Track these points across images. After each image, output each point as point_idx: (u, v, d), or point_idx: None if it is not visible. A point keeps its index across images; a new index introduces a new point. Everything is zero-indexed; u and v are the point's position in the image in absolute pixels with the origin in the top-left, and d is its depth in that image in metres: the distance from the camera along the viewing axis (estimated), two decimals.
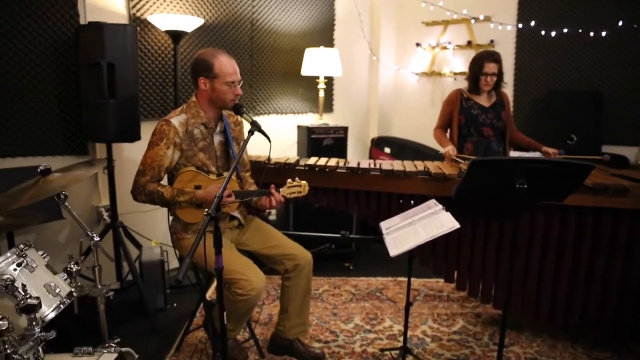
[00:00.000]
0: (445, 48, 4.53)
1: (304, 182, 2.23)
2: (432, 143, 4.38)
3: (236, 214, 2.34)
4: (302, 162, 2.77)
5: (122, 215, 3.02)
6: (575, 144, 3.80)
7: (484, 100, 3.07)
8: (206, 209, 1.58)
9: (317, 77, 3.97)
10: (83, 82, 2.68)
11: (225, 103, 2.18)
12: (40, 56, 2.80)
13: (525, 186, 2.00)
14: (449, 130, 3.21)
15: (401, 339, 2.73)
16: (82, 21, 2.93)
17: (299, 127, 3.97)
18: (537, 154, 3.14)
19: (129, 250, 2.93)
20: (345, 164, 2.75)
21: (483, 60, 2.94)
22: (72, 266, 1.90)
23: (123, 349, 1.69)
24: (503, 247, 2.55)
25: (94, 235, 1.95)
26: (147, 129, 2.94)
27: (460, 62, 4.50)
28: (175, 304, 3.10)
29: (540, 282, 2.54)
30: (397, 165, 2.77)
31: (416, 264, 3.66)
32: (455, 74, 4.51)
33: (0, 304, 1.51)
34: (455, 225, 2.01)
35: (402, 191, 2.68)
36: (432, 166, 2.74)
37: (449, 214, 2.12)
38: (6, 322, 1.35)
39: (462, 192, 2.24)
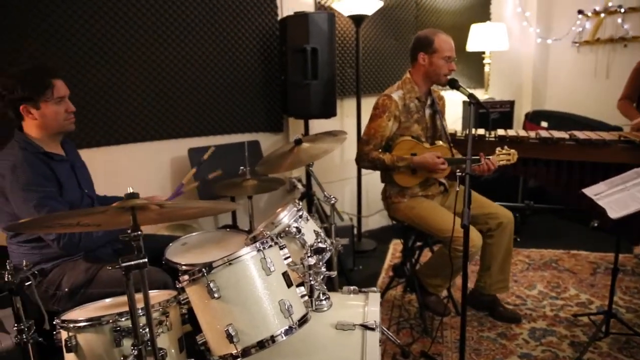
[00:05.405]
0: (615, 12, 4.28)
1: (513, 150, 2.35)
2: (596, 115, 4.22)
3: (442, 179, 2.54)
4: (492, 134, 2.89)
5: None
6: None
7: None
8: (458, 170, 1.78)
9: (483, 53, 4.01)
10: (290, 66, 3.03)
11: (440, 77, 2.37)
12: (249, 45, 3.21)
13: None
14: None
15: (592, 307, 2.79)
16: (280, 13, 3.30)
17: (464, 102, 4.06)
18: None
19: (323, 215, 3.30)
20: (536, 135, 2.81)
21: None
22: None
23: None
24: None
25: (333, 197, 2.26)
26: None
27: (631, 27, 4.22)
28: (360, 266, 3.42)
29: None
30: (590, 135, 2.77)
31: (583, 237, 3.67)
32: (625, 39, 4.25)
33: (289, 247, 1.86)
34: None
35: (597, 160, 2.69)
36: (629, 135, 2.70)
37: None
38: (314, 259, 1.67)
39: None
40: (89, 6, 2.61)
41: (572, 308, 2.79)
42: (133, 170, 2.93)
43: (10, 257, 1.89)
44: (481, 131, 2.96)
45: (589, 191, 2.39)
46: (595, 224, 3.70)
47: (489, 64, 4.03)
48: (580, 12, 4.54)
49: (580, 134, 2.77)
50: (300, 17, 2.96)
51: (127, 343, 1.40)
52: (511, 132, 2.87)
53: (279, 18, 3.29)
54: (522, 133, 2.83)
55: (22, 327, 1.35)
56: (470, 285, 2.72)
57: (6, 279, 1.29)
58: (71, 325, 1.41)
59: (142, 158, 2.96)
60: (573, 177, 2.77)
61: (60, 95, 1.87)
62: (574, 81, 4.75)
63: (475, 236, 2.26)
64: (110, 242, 2.02)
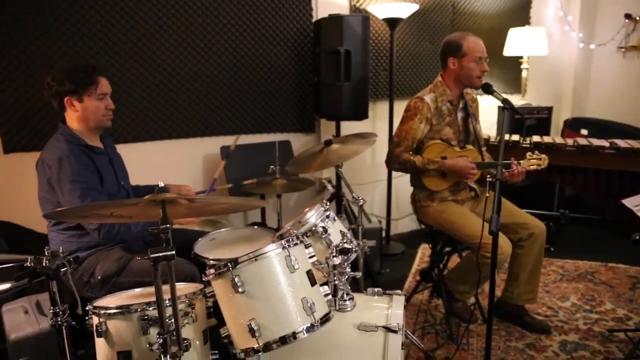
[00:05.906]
0: None
1: (543, 155, 2.30)
2: None
3: (473, 185, 2.50)
4: (527, 140, 2.83)
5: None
6: None
7: None
8: (489, 175, 1.75)
9: (520, 57, 3.92)
10: (323, 67, 3.05)
11: (472, 80, 2.34)
12: (284, 47, 3.26)
13: None
14: None
15: (629, 323, 2.68)
16: (314, 15, 3.33)
17: (499, 107, 3.97)
18: None
19: (352, 216, 3.30)
20: (573, 142, 2.73)
21: None
22: None
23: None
24: None
25: (361, 198, 2.26)
26: None
27: None
28: (388, 269, 3.40)
29: None
30: (632, 143, 2.67)
31: (622, 249, 3.52)
32: None
33: (315, 247, 1.87)
34: None
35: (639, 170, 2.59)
36: None
37: None
38: (339, 259, 1.68)
39: None
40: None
41: (607, 323, 2.68)
42: (166, 166, 3.01)
43: (50, 243, 1.98)
44: (516, 137, 2.90)
45: (630, 202, 2.30)
46: (637, 237, 3.55)
47: (526, 69, 3.93)
48: (627, 16, 4.38)
49: (622, 142, 2.67)
50: (335, 20, 2.97)
51: (153, 332, 1.44)
52: (547, 139, 2.80)
53: (313, 20, 3.32)
54: (559, 140, 2.76)
55: (58, 310, 1.42)
56: (498, 293, 2.66)
57: (44, 264, 1.35)
58: (102, 312, 1.47)
59: (175, 155, 3.05)
60: (612, 186, 2.68)
61: (103, 92, 1.97)
62: (619, 88, 4.58)
63: (504, 243, 2.21)
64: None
